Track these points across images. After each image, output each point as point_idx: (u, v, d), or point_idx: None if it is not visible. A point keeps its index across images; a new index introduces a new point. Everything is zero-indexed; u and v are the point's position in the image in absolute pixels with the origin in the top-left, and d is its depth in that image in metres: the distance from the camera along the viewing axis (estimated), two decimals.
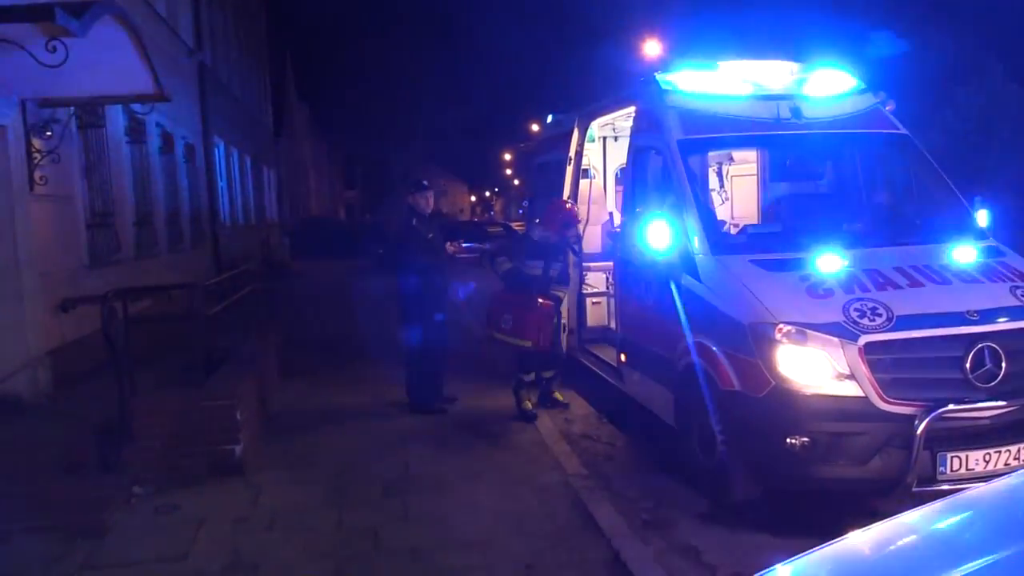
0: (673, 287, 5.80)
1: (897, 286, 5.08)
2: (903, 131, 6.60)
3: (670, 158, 6.12)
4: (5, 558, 4.72)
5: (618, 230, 7.39)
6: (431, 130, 44.77)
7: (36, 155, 8.07)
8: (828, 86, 6.56)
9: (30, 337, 7.76)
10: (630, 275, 6.69)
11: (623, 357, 6.94)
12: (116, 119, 10.86)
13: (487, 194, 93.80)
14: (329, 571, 4.45)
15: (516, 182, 55.58)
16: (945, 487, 4.40)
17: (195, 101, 16.52)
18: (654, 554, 4.53)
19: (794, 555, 2.26)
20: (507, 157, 63.26)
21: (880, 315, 4.81)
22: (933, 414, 4.50)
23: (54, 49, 6.26)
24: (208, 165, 17.26)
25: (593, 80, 27.55)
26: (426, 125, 43.81)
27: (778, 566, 2.24)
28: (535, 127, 41.42)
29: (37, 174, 8.07)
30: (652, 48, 25.66)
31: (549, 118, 10.40)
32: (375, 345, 10.24)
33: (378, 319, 12.67)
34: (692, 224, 5.72)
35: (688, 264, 5.63)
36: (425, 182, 7.90)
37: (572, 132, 8.58)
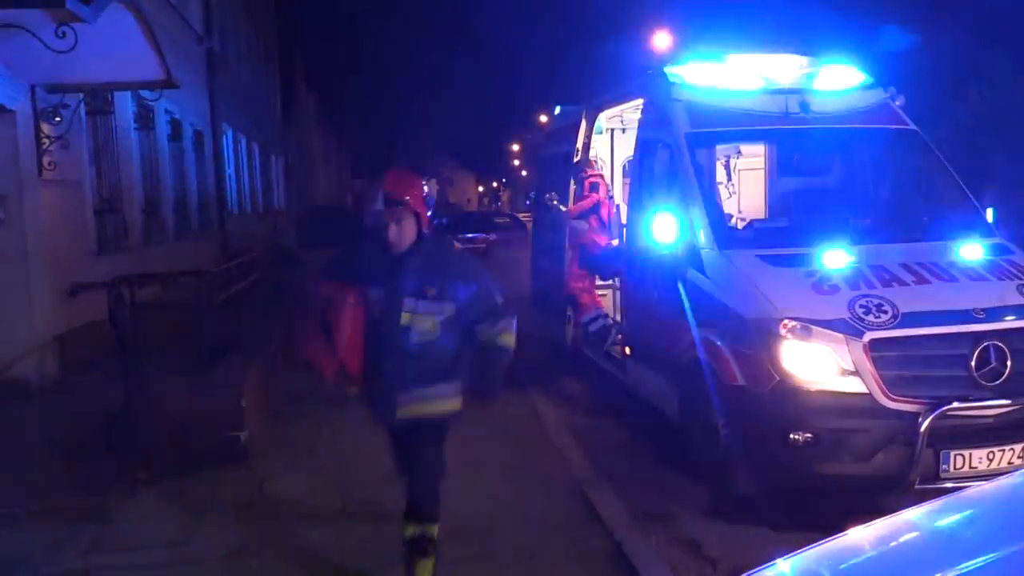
0: (678, 281, 5.79)
1: (903, 283, 5.07)
2: (912, 127, 6.57)
3: (677, 151, 6.11)
4: (12, 541, 4.76)
5: (624, 223, 7.38)
6: (440, 120, 44.79)
7: (45, 140, 8.09)
8: (837, 80, 6.54)
9: (38, 322, 7.80)
10: (636, 268, 6.69)
11: (627, 350, 6.94)
12: (125, 105, 10.88)
13: (495, 184, 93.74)
14: (332, 558, 4.47)
15: (524, 173, 55.54)
16: (948, 485, 4.39)
17: (204, 88, 16.52)
18: (655, 546, 4.55)
19: (795, 551, 2.27)
20: (515, 148, 63.17)
21: (885, 312, 4.81)
22: (937, 412, 4.49)
23: (64, 35, 6.28)
24: (216, 152, 17.26)
25: (602, 72, 27.44)
26: (435, 115, 43.84)
27: (779, 561, 2.24)
28: (543, 118, 41.38)
29: (46, 159, 8.10)
30: (661, 40, 25.56)
31: (557, 109, 10.38)
32: None
33: None
34: (698, 218, 5.72)
35: (694, 258, 5.62)
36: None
37: (579, 124, 8.55)
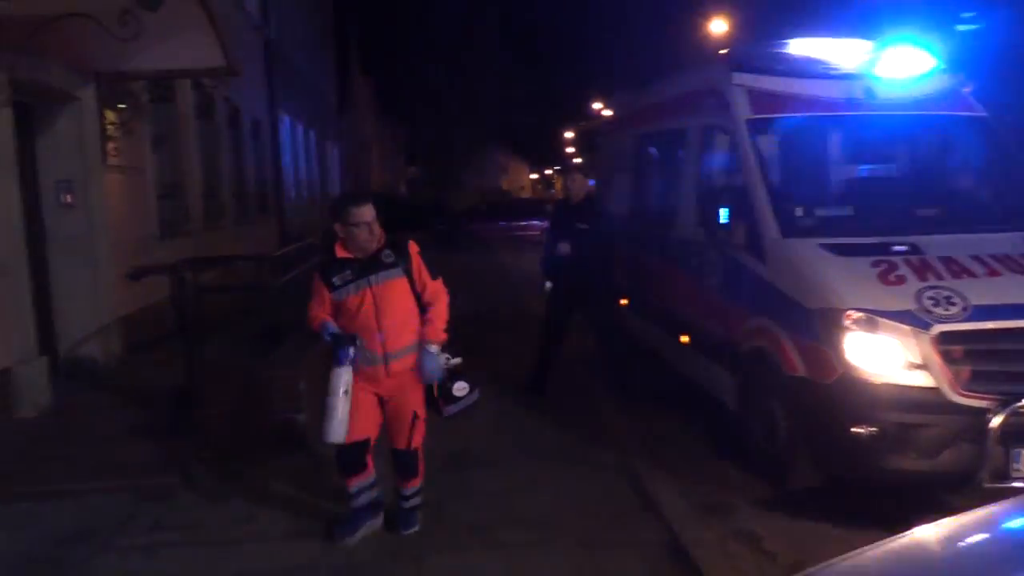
0: (738, 270, 5.70)
1: (973, 274, 4.90)
2: (983, 113, 6.36)
3: (737, 137, 6.02)
4: (79, 517, 4.90)
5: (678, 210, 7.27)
6: (494, 107, 44.72)
7: (109, 127, 8.28)
8: (904, 66, 6.34)
9: (103, 304, 8.02)
10: (694, 256, 6.60)
11: (686, 339, 6.86)
12: (186, 93, 11.07)
13: (548, 172, 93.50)
14: (390, 543, 4.51)
15: (578, 160, 55.27)
16: (1018, 484, 4.27)
17: (262, 76, 16.76)
18: (714, 539, 4.49)
19: (858, 547, 2.21)
20: (569, 136, 62.85)
21: (955, 304, 4.66)
22: (1009, 408, 4.35)
23: (127, 23, 6.40)
24: (274, 139, 17.52)
25: (657, 58, 27.13)
26: (489, 102, 43.76)
27: (842, 558, 2.19)
28: (597, 105, 41.02)
29: (110, 146, 8.29)
30: (719, 26, 25.18)
31: (612, 98, 10.25)
32: None
33: None
34: (760, 205, 5.61)
35: (755, 246, 5.53)
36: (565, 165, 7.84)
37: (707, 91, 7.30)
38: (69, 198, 7.78)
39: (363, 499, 4.62)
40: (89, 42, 7.03)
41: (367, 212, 4.31)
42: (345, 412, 4.24)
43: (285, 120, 19.24)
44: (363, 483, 4.60)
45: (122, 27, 6.44)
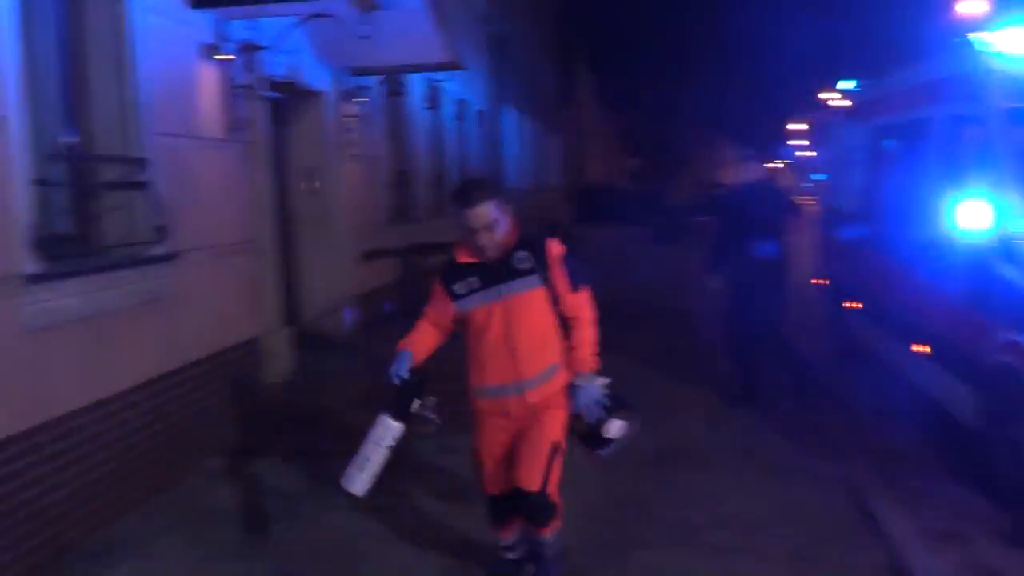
0: (989, 276, 5.17)
1: None
2: None
3: (992, 129, 5.45)
4: (312, 475, 5.38)
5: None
6: (715, 100, 43.65)
7: (348, 119, 8.88)
8: None
9: (340, 283, 8.65)
10: (935, 258, 6.06)
11: (922, 348, 6.32)
12: (416, 86, 11.64)
13: (770, 166, 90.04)
14: (597, 535, 4.51)
15: (810, 153, 52.65)
16: None
17: (487, 70, 17.28)
18: (945, 569, 4.10)
19: None
20: (798, 128, 59.95)
21: None
22: None
23: (369, 19, 6.83)
24: (496, 131, 18.04)
25: (892, 45, 25.11)
26: (710, 94, 42.75)
27: None
28: (824, 95, 38.76)
29: (348, 137, 8.89)
30: (970, 6, 22.88)
31: (851, 83, 9.61)
32: (650, 313, 10.22)
33: (656, 289, 12.65)
34: (1019, 206, 5.05)
35: (1010, 250, 4.98)
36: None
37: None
38: (317, 184, 8.47)
39: (518, 553, 3.99)
40: (332, 41, 7.58)
41: (481, 215, 3.45)
42: (379, 467, 3.58)
43: (508, 113, 19.75)
44: (516, 536, 3.94)
45: (361, 26, 6.87)
